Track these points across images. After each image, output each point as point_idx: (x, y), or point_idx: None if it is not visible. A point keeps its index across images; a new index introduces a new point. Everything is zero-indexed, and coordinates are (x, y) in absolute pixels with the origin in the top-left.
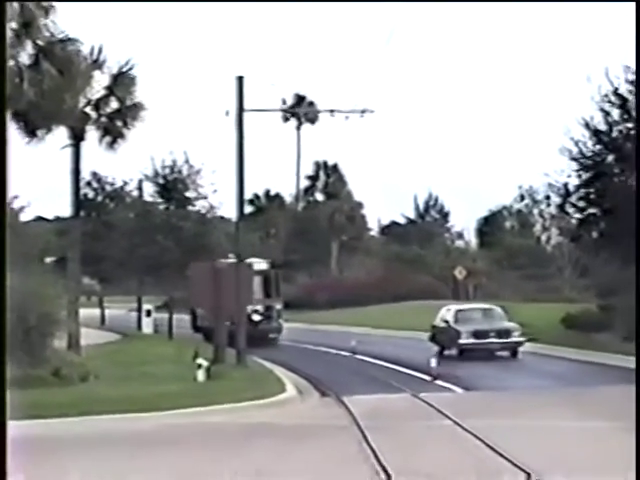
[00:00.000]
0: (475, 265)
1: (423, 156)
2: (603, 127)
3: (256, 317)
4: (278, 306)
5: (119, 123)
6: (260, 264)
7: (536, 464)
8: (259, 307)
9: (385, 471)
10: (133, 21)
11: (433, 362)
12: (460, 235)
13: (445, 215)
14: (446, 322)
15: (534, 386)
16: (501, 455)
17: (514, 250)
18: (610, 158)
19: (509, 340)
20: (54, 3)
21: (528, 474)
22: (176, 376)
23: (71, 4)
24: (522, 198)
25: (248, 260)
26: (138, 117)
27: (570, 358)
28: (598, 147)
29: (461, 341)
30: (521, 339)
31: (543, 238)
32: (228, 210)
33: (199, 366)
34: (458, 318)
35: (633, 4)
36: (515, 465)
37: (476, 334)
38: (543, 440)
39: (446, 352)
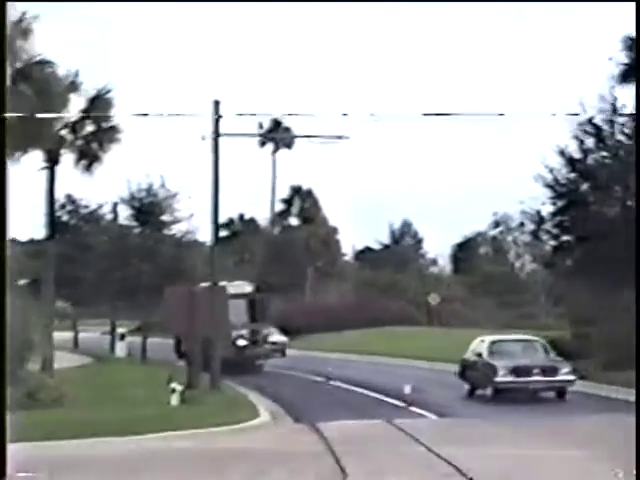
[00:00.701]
0: (449, 291)
1: (398, 182)
2: (578, 155)
3: (241, 342)
4: (265, 330)
5: (95, 146)
6: (245, 287)
7: None
8: (244, 332)
9: None
10: (111, 45)
11: (407, 389)
12: (434, 261)
13: (419, 241)
14: (479, 355)
15: (513, 415)
16: None
17: (489, 277)
18: (585, 186)
19: (556, 378)
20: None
21: None
22: (150, 400)
23: (48, 28)
24: (497, 225)
25: (234, 283)
26: (114, 140)
27: None
28: (572, 175)
29: (497, 379)
30: (571, 377)
31: (517, 265)
32: (203, 234)
33: (173, 390)
34: (493, 351)
35: (633, 4)
36: None
37: (516, 371)
38: (517, 468)
39: (479, 391)
